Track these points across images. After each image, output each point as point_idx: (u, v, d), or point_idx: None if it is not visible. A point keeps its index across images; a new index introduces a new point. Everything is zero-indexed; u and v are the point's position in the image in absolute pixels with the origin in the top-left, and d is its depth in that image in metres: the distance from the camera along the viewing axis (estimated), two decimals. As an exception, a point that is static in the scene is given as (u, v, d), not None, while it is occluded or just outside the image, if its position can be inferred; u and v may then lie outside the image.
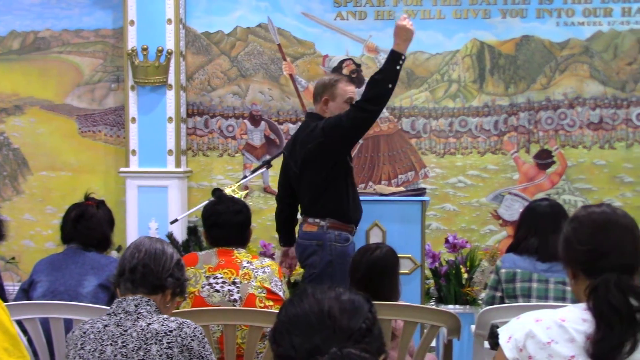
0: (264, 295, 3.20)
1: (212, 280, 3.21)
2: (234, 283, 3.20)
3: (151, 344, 2.24)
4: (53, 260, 3.38)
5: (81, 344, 2.27)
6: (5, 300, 2.69)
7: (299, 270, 5.39)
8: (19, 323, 2.90)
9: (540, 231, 3.43)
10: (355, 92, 4.06)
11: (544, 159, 5.92)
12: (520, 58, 5.93)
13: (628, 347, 1.75)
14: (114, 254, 5.06)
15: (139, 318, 2.28)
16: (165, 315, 2.35)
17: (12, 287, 4.89)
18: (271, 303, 3.20)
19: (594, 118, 5.89)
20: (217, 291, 3.19)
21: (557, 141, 5.92)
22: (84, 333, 2.29)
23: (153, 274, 2.37)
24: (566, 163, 5.91)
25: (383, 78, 3.78)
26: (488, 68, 5.95)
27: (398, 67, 3.77)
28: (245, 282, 3.20)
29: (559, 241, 2.01)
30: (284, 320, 1.51)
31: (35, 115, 6.21)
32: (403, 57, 3.78)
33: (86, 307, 2.93)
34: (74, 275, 3.28)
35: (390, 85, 3.77)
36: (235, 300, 3.17)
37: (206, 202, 4.22)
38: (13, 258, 6.06)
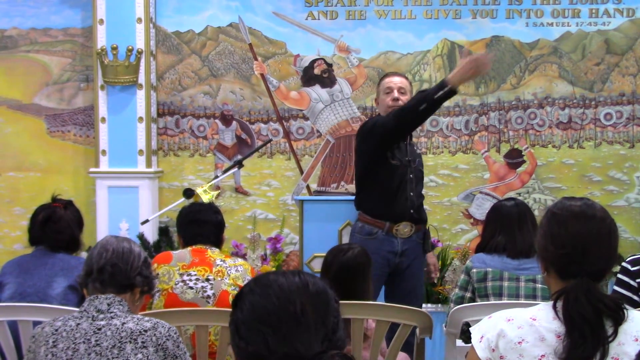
0: (236, 292, 3.21)
1: (185, 277, 3.22)
2: (207, 280, 3.22)
3: (126, 342, 2.24)
4: (21, 262, 3.34)
5: (53, 342, 2.26)
6: (-28, 303, 2.65)
7: (268, 269, 5.40)
8: (-13, 326, 2.85)
9: (507, 229, 3.46)
10: (401, 82, 4.08)
11: (514, 158, 5.98)
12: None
13: (598, 356, 1.76)
14: (84, 255, 5.00)
15: (112, 317, 2.28)
16: (139, 315, 2.35)
17: (-20, 290, 4.81)
18: (244, 301, 3.21)
19: (563, 118, 5.96)
20: (191, 288, 3.20)
21: (527, 140, 5.97)
22: (56, 330, 2.27)
23: (122, 274, 2.37)
24: (536, 162, 5.97)
25: (419, 99, 3.76)
26: (459, 68, 5.98)
27: (437, 96, 3.66)
28: (219, 279, 3.23)
29: (536, 234, 2.00)
30: (250, 315, 1.46)
31: (2, 115, 6.11)
32: (447, 88, 3.64)
33: (55, 309, 2.89)
34: (42, 276, 3.24)
35: (421, 108, 3.71)
36: (208, 297, 3.19)
37: (178, 202, 4.23)
38: (-20, 260, 5.97)
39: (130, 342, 2.24)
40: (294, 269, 1.56)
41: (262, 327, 1.44)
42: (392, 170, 3.99)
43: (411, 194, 4.03)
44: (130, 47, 5.70)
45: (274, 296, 1.45)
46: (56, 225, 3.36)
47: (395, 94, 4.03)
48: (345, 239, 4.34)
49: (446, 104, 5.92)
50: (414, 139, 4.22)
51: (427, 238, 4.15)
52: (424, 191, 4.23)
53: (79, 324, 2.28)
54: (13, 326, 2.96)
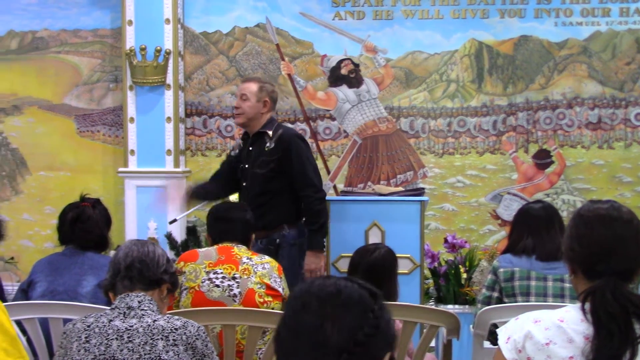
0: (263, 290, 3.23)
1: (212, 276, 3.24)
2: (233, 278, 3.23)
3: (157, 339, 2.29)
4: (52, 261, 3.38)
5: (86, 337, 2.30)
6: (4, 301, 2.70)
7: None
8: (18, 323, 2.90)
9: (535, 232, 3.44)
10: (244, 89, 4.25)
11: (542, 159, 5.92)
12: (518, 58, 5.93)
13: (628, 356, 1.75)
14: (112, 254, 5.06)
15: (143, 315, 2.32)
16: (168, 315, 2.40)
17: (11, 287, 4.89)
18: (270, 299, 3.24)
19: (593, 118, 5.90)
20: (217, 286, 3.21)
21: (556, 141, 5.92)
22: (88, 327, 2.32)
23: (150, 270, 2.45)
24: (565, 163, 5.91)
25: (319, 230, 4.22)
26: (486, 68, 5.95)
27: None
28: (245, 277, 3.24)
29: (563, 237, 2.00)
30: (283, 329, 1.47)
31: (33, 115, 6.20)
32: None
33: (85, 307, 2.93)
34: (73, 275, 3.28)
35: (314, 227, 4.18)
36: (235, 295, 3.20)
37: (206, 201, 4.27)
38: (12, 258, 6.05)
39: (161, 339, 2.29)
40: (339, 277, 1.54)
41: (294, 347, 1.44)
42: (237, 182, 4.30)
43: (243, 202, 4.19)
44: (158, 48, 5.74)
45: (307, 313, 1.45)
46: (85, 225, 3.40)
47: (235, 102, 4.28)
48: (372, 239, 4.34)
49: (473, 104, 5.93)
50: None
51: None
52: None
53: (111, 320, 2.33)
54: (44, 324, 3.01)
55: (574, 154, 5.92)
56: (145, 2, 5.78)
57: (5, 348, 2.24)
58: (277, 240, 4.15)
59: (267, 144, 4.15)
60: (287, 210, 4.18)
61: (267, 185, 4.13)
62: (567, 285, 3.30)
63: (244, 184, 4.20)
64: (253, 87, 4.21)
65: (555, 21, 5.90)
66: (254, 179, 4.17)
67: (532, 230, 3.45)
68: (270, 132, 4.19)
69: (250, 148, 4.23)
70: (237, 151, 4.35)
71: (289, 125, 5.93)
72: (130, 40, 5.78)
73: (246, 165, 4.20)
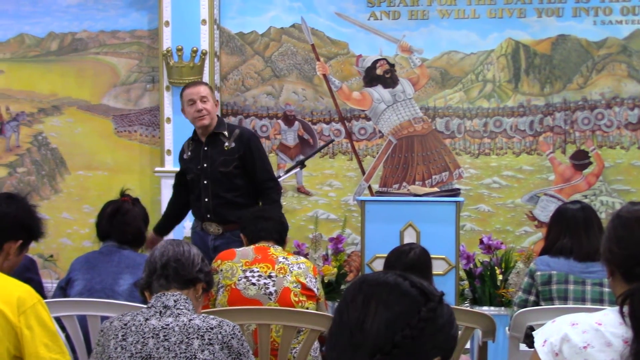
0: (298, 289, 3.26)
1: (248, 274, 3.27)
2: (269, 277, 3.27)
3: (193, 338, 2.31)
4: (90, 259, 3.42)
5: (122, 335, 2.33)
6: (44, 298, 2.74)
7: (332, 270, 5.41)
8: (57, 320, 2.94)
9: (572, 232, 3.40)
10: (203, 91, 4.33)
11: (580, 160, 5.85)
12: (556, 57, 5.86)
13: None
14: (148, 252, 5.11)
15: (179, 314, 2.35)
16: (204, 314, 2.43)
17: (51, 285, 4.97)
18: (304, 298, 3.26)
19: (632, 118, 5.81)
20: (253, 284, 3.25)
21: (594, 142, 5.84)
22: (125, 325, 2.35)
23: (185, 269, 2.48)
24: (603, 164, 5.83)
25: None
26: (523, 68, 5.89)
27: None
28: (281, 276, 3.27)
29: (601, 238, 1.97)
30: (333, 321, 1.46)
31: (72, 115, 6.30)
32: None
33: (122, 305, 2.97)
34: (110, 273, 3.32)
35: None
36: (270, 294, 3.24)
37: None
38: (51, 256, 6.16)
39: (197, 338, 2.31)
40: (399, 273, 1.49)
41: (335, 339, 1.44)
42: (190, 183, 4.39)
43: (206, 199, 4.28)
44: (194, 49, 5.79)
45: (352, 308, 1.43)
46: (124, 218, 3.44)
47: (199, 105, 4.28)
48: (407, 240, 4.33)
49: (510, 104, 5.88)
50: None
51: None
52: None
53: (147, 319, 2.36)
54: (82, 321, 3.06)
55: (612, 155, 5.83)
56: (181, 3, 5.83)
57: (46, 343, 2.28)
58: None
59: (226, 144, 4.31)
60: (250, 204, 4.34)
61: (232, 182, 4.29)
62: (606, 289, 3.25)
63: (204, 182, 4.30)
64: (207, 89, 4.39)
65: (594, 20, 5.82)
66: (217, 177, 4.29)
67: (570, 230, 3.41)
68: (225, 132, 4.35)
69: (206, 148, 4.33)
70: (189, 153, 4.43)
71: (318, 123, 5.94)
72: (167, 41, 5.84)
73: (204, 165, 4.30)
